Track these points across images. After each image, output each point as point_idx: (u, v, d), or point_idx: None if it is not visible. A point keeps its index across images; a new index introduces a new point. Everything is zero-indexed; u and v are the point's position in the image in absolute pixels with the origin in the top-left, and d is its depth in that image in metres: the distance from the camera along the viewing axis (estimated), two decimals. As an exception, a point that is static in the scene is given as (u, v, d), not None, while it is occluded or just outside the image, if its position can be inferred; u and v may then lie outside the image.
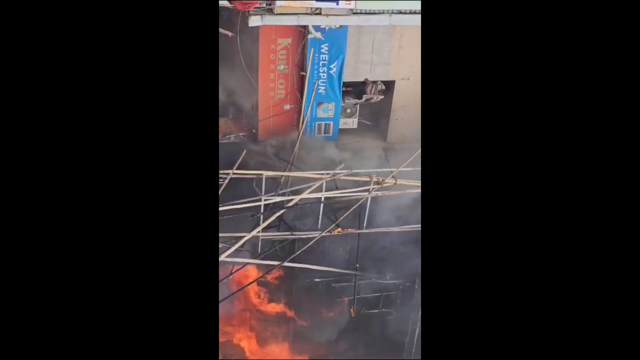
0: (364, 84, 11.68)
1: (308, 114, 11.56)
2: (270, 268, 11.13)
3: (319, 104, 11.61)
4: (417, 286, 12.08)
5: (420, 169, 7.94)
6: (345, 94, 11.75)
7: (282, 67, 11.31)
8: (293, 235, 11.45)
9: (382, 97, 11.96)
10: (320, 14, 10.32)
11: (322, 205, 11.28)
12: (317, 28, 10.72)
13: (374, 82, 11.67)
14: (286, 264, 11.20)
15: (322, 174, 11.00)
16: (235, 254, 10.37)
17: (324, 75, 11.31)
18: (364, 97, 11.77)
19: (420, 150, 8.59)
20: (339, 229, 11.41)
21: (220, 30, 10.43)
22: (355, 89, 11.83)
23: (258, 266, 11.62)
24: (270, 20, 10.18)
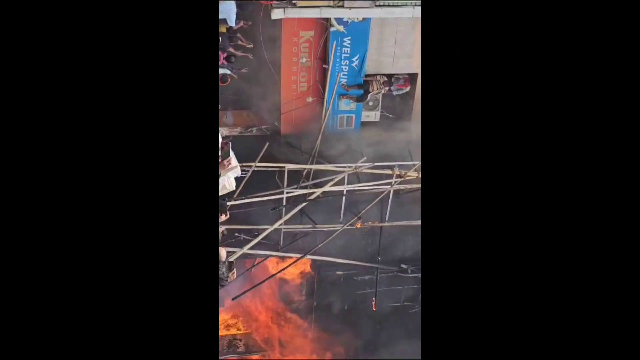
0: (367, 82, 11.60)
1: (330, 107, 11.53)
2: (292, 261, 11.15)
3: (340, 97, 11.56)
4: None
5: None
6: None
7: (304, 60, 11.29)
8: (315, 228, 11.46)
9: (407, 89, 11.87)
10: (342, 6, 10.27)
11: (344, 198, 11.27)
12: (339, 21, 10.68)
13: (374, 77, 11.56)
14: (308, 256, 11.21)
15: (344, 167, 10.99)
16: (257, 246, 10.40)
17: (345, 69, 11.27)
18: (369, 95, 11.67)
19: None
20: (360, 224, 11.39)
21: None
22: (360, 89, 11.77)
23: (280, 259, 11.66)
24: (292, 12, 10.16)
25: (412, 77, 11.76)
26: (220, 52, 10.05)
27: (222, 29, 10.15)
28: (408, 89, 11.82)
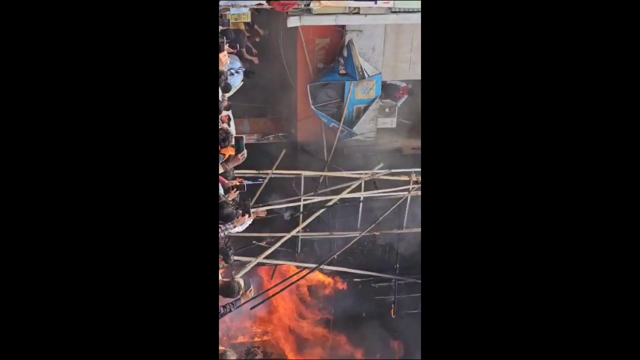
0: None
1: (345, 110, 11.47)
2: (309, 271, 11.12)
3: (357, 83, 11.29)
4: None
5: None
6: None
7: (320, 66, 11.30)
8: (332, 235, 11.45)
9: (406, 97, 11.88)
10: (358, 13, 10.27)
11: (361, 205, 11.24)
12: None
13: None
14: (324, 267, 11.19)
15: (361, 173, 10.96)
16: (273, 254, 10.41)
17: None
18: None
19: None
20: (378, 231, 11.37)
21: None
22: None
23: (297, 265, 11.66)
24: (308, 20, 10.18)
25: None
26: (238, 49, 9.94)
27: (242, 26, 10.15)
28: (406, 97, 11.80)
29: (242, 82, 9.50)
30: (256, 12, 10.08)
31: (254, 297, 9.95)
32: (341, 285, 12.39)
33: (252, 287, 7.11)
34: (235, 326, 12.95)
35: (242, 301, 7.19)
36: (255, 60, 10.58)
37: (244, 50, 9.96)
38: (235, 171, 8.13)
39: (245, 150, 7.90)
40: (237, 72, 9.11)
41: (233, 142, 7.69)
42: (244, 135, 8.19)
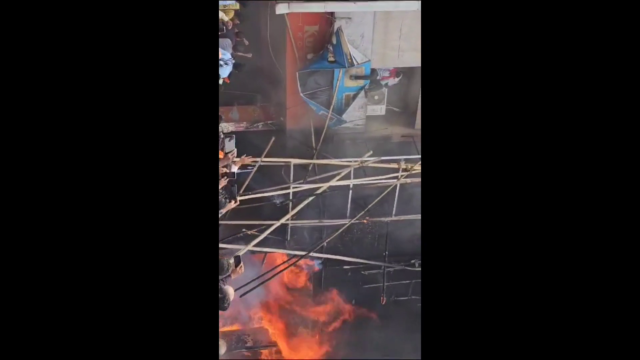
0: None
1: (334, 100, 11.47)
2: (298, 257, 11.14)
3: (346, 70, 11.21)
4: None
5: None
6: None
7: (310, 56, 11.26)
8: (321, 222, 11.47)
9: (396, 80, 11.86)
10: (347, 0, 10.24)
11: (350, 192, 11.26)
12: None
13: None
14: (313, 254, 11.20)
15: (350, 161, 10.97)
16: (263, 242, 10.41)
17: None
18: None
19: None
20: (367, 219, 11.39)
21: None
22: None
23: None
24: (297, 7, 10.13)
25: (410, 70, 11.66)
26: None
27: (230, 14, 10.04)
28: (396, 80, 11.83)
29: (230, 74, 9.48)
30: (243, 4, 10.00)
31: (247, 283, 10.00)
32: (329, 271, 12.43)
33: (242, 264, 7.07)
34: (225, 314, 12.97)
35: (232, 278, 7.16)
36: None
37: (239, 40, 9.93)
38: (225, 159, 8.13)
39: (235, 149, 7.91)
40: (226, 64, 9.06)
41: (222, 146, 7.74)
42: (234, 135, 8.20)
